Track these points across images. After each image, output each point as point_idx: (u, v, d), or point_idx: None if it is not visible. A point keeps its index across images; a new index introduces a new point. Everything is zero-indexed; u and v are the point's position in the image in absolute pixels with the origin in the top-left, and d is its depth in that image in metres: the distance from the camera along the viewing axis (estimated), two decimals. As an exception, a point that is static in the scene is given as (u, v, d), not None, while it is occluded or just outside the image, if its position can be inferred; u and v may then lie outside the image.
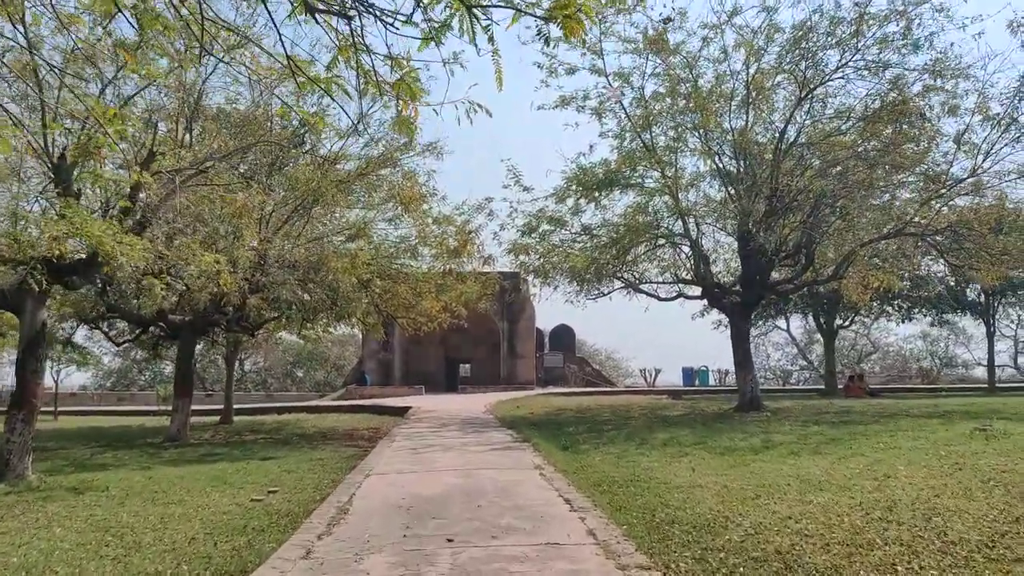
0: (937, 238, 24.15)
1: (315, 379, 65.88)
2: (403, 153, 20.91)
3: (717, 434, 17.00)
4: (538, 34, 5.46)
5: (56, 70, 11.03)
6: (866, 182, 22.65)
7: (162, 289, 13.65)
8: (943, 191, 23.22)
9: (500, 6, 5.24)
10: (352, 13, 5.52)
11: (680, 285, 27.50)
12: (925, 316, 45.22)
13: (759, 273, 24.78)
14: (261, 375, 66.24)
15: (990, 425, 15.76)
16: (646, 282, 27.34)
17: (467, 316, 25.63)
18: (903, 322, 45.36)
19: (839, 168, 23.06)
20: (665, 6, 21.15)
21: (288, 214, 19.79)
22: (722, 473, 11.30)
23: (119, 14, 6.29)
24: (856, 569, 6.25)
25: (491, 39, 5.33)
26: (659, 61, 22.78)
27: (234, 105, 19.03)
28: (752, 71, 22.66)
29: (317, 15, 5.73)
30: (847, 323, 46.05)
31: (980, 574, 6.06)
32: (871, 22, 21.14)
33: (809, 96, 22.70)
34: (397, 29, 5.40)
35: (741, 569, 6.37)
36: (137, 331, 24.25)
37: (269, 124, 19.05)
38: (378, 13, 5.43)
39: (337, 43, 5.72)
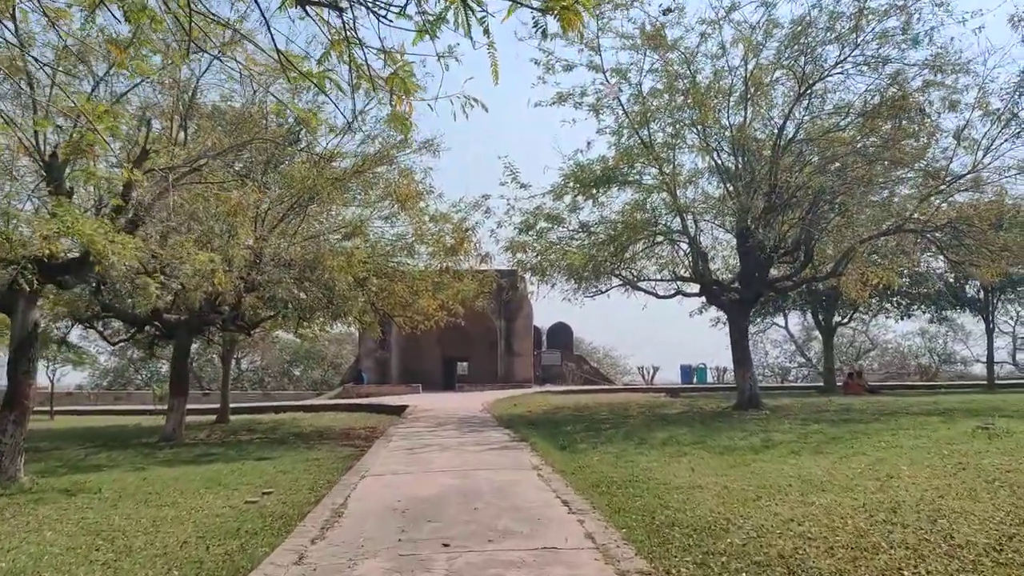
0: (937, 234, 24.03)
1: (312, 378, 65.71)
2: (399, 150, 20.78)
3: (716, 433, 16.87)
4: (535, 26, 5.32)
5: (45, 67, 10.88)
6: (865, 178, 22.55)
7: (157, 288, 13.51)
8: (943, 187, 23.12)
9: (496, -3, 5.11)
10: (344, 4, 5.38)
11: (678, 282, 27.39)
12: (924, 313, 45.14)
13: (758, 270, 24.66)
14: (258, 374, 66.11)
15: (992, 424, 15.64)
16: (644, 279, 27.22)
17: (464, 314, 25.50)
18: (902, 319, 45.33)
19: (838, 164, 22.96)
20: (664, -2, 20.99)
21: (284, 212, 19.65)
22: (722, 473, 11.17)
23: (107, 8, 6.17)
24: (861, 574, 6.12)
25: (486, 31, 5.20)
26: (657, 57, 22.65)
27: (229, 103, 18.91)
28: (751, 67, 22.53)
29: (308, 7, 5.59)
30: (846, 320, 45.96)
31: (988, 579, 5.95)
32: (870, 17, 21.02)
33: (808, 92, 22.57)
34: (391, 22, 5.26)
35: (744, 574, 6.24)
36: (132, 330, 24.11)
37: (264, 122, 18.91)
38: (370, 5, 5.28)
39: (329, 37, 5.59)
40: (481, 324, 47.71)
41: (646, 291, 27.25)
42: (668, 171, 23.74)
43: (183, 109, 16.22)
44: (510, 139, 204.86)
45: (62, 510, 10.05)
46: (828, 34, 21.69)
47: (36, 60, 9.98)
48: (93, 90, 13.53)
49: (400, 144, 20.58)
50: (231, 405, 28.90)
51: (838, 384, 39.98)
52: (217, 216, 16.43)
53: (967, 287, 40.95)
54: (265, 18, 5.81)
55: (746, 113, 23.26)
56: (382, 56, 5.64)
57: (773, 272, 26.15)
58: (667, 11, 20.56)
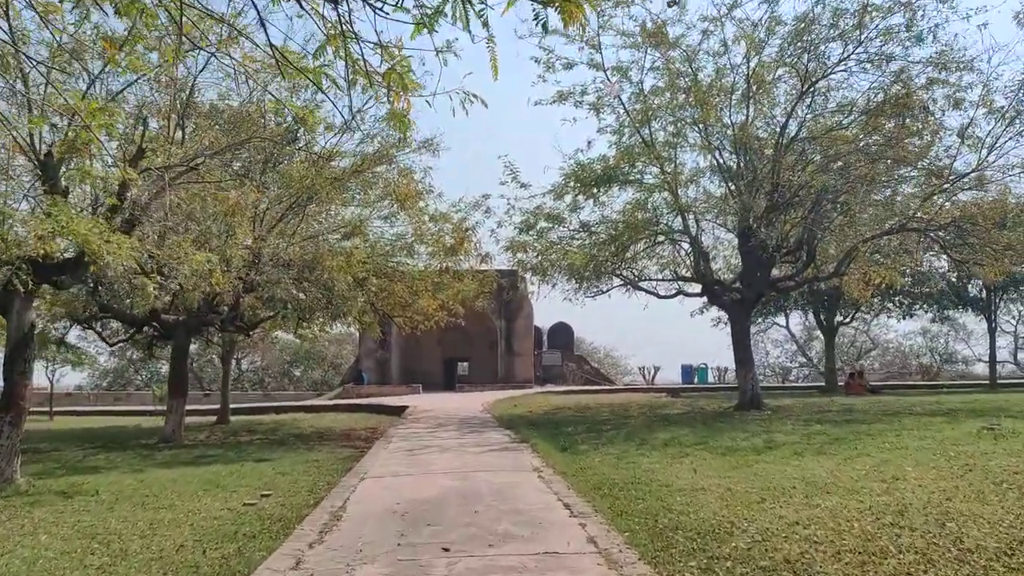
0: (940, 233, 23.87)
1: (312, 378, 65.61)
2: (399, 150, 20.68)
3: (718, 434, 16.74)
4: (535, 20, 5.19)
5: (38, 64, 10.76)
6: (868, 177, 22.40)
7: (154, 289, 13.40)
8: (946, 186, 22.97)
9: (495, -10, 4.98)
10: (339, -4, 5.26)
11: (680, 282, 27.25)
12: (926, 312, 44.99)
13: (759, 270, 24.51)
14: (258, 374, 66.02)
15: (998, 424, 15.50)
16: (645, 279, 27.06)
17: (464, 314, 25.42)
18: (904, 318, 45.18)
19: (840, 163, 22.82)
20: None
21: (282, 212, 19.55)
22: (725, 475, 11.03)
23: (99, 6, 6.04)
24: (870, 579, 5.99)
25: (485, 24, 5.08)
26: (658, 55, 22.53)
27: (226, 101, 18.79)
28: (753, 64, 22.41)
29: (303, 0, 5.47)
30: (848, 320, 45.81)
31: (1000, 584, 5.82)
32: (874, 13, 20.89)
33: (811, 89, 22.44)
34: (387, 15, 5.14)
35: (749, 579, 6.11)
36: (131, 331, 24.00)
37: (263, 120, 18.79)
38: (366, -3, 5.17)
39: (325, 32, 5.47)
40: (481, 324, 47.62)
41: (647, 291, 27.11)
42: (669, 170, 23.62)
43: (180, 108, 16.10)
44: (510, 138, 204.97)
45: (58, 513, 9.92)
46: (831, 31, 21.55)
47: (28, 58, 9.85)
48: (88, 88, 13.39)
49: (399, 143, 20.46)
50: (231, 406, 28.81)
51: (839, 384, 39.82)
52: (215, 216, 16.33)
53: (969, 286, 40.79)
54: (260, 14, 5.68)
55: (748, 111, 23.13)
56: (379, 51, 5.53)
57: (775, 272, 26.00)
58: (672, 3, 20.40)
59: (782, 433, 16.31)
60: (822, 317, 42.64)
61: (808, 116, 23.60)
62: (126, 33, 7.65)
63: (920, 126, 21.98)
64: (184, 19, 5.89)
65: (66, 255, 12.66)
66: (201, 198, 15.38)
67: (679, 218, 24.67)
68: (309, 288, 19.60)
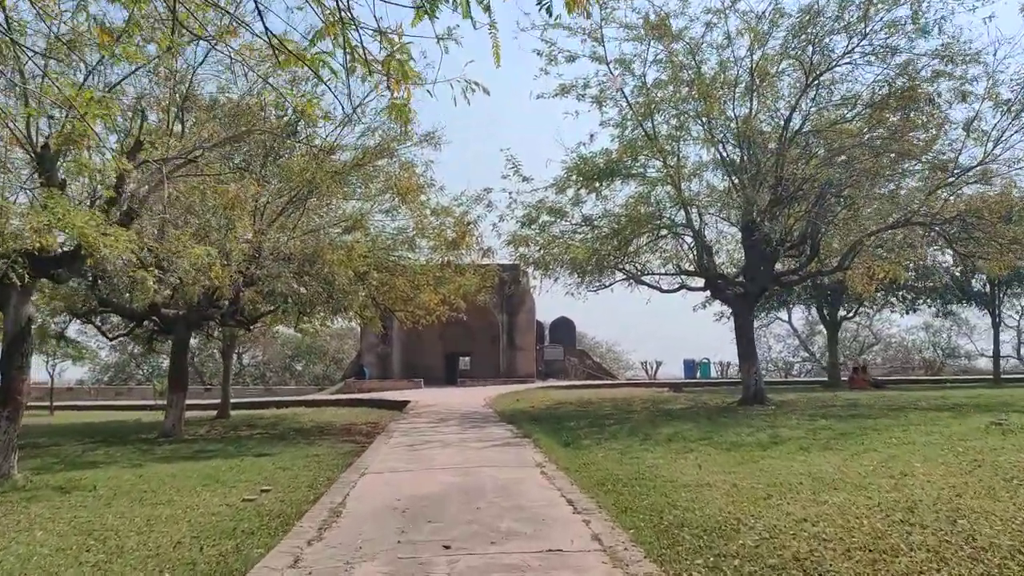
0: (945, 227, 23.73)
1: (314, 373, 65.47)
2: (400, 143, 20.52)
3: (722, 429, 16.60)
4: (539, 4, 5.05)
5: (36, 56, 10.61)
6: (872, 171, 22.27)
7: (154, 283, 13.26)
8: (951, 179, 22.85)
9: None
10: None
11: (683, 276, 27.12)
12: (930, 307, 44.79)
13: (763, 264, 24.39)
14: (260, 369, 65.87)
15: (1006, 419, 15.34)
16: (648, 273, 26.91)
17: (466, 309, 25.29)
18: (907, 313, 44.97)
19: (844, 157, 22.67)
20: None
21: (283, 206, 19.43)
22: (730, 471, 10.90)
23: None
24: (882, 578, 5.86)
25: (487, 8, 4.96)
26: (661, 47, 22.38)
27: (226, 95, 18.64)
28: (756, 57, 22.29)
29: (300, -15, 5.34)
30: (851, 314, 45.64)
31: (1015, 584, 5.68)
32: (879, 5, 20.73)
33: (815, 82, 22.30)
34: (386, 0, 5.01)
35: (758, 578, 5.98)
36: (130, 325, 23.87)
37: (263, 113, 18.65)
38: (366, -20, 5.04)
39: (323, 19, 5.33)
40: (483, 319, 47.47)
41: (650, 285, 26.97)
42: (672, 164, 23.47)
43: (179, 100, 15.95)
44: (512, 132, 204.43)
45: (55, 508, 9.80)
46: (836, 23, 21.41)
47: (22, 46, 9.70)
48: (85, 80, 13.25)
49: (401, 137, 20.34)
50: (232, 400, 28.68)
51: (843, 379, 39.69)
52: (214, 209, 16.20)
53: (974, 281, 40.60)
54: (256, 3, 5.55)
55: (752, 104, 23.00)
56: (378, 38, 5.39)
57: (778, 266, 25.87)
58: None
59: (787, 428, 16.18)
60: (825, 312, 42.46)
61: (812, 109, 23.46)
62: (124, 24, 7.52)
63: (925, 119, 21.83)
64: (181, 8, 5.76)
65: (64, 249, 12.54)
66: (200, 191, 15.25)
67: (682, 212, 24.53)
68: (310, 282, 19.48)
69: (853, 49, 21.62)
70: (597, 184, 24.38)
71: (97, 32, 7.39)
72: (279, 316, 23.62)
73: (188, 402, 21.89)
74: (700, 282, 26.80)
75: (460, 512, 8.42)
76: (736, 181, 23.60)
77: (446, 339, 51.08)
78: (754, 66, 22.25)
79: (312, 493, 10.44)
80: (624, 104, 23.48)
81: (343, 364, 60.64)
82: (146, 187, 13.45)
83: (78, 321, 24.48)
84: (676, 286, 27.40)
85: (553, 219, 25.35)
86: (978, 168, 22.46)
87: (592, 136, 26.24)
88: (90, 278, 18.43)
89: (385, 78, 5.48)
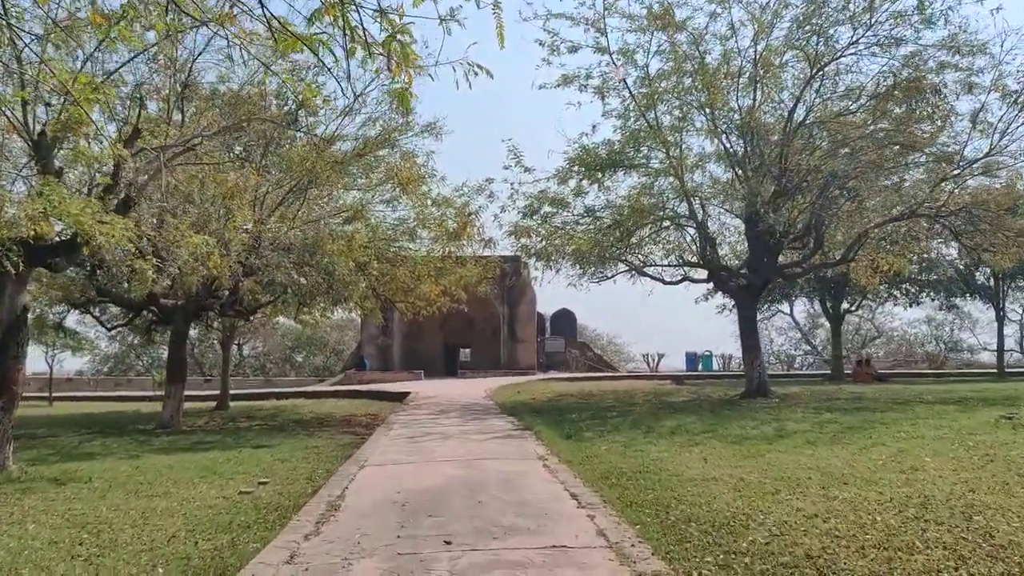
0: (951, 219, 23.55)
1: (314, 364, 65.33)
2: (401, 133, 20.40)
3: (726, 421, 16.43)
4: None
5: (29, 40, 10.41)
6: (877, 162, 22.10)
7: (152, 272, 13.08)
8: (955, 172, 22.68)
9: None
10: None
11: (685, 268, 26.94)
12: (933, 300, 44.58)
13: (767, 256, 24.22)
14: (260, 360, 65.70)
15: (1016, 413, 15.18)
16: (651, 265, 26.74)
17: (467, 300, 25.08)
18: (911, 306, 44.78)
19: (847, 149, 22.50)
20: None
21: (283, 196, 19.28)
22: (736, 464, 10.73)
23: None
24: (898, 576, 5.67)
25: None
26: (664, 37, 22.15)
27: (227, 84, 18.44)
28: (760, 48, 22.08)
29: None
30: (854, 307, 45.43)
31: (1037, 583, 5.50)
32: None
33: (819, 73, 22.09)
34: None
35: (770, 576, 5.79)
36: (129, 316, 23.69)
37: (263, 103, 18.46)
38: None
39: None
40: (484, 310, 47.32)
41: (653, 277, 26.83)
42: (675, 155, 23.25)
43: (179, 89, 15.74)
44: (514, 123, 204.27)
45: (49, 501, 9.62)
46: (841, 14, 21.21)
47: (18, 30, 9.49)
48: (82, 66, 13.04)
49: (402, 127, 20.23)
50: (231, 391, 28.53)
51: (846, 372, 39.50)
52: (214, 198, 16.02)
53: (977, 274, 40.41)
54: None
55: (755, 95, 22.79)
56: (379, 17, 5.20)
57: (781, 258, 25.68)
58: None
59: (792, 421, 16.00)
60: (828, 304, 42.24)
61: (816, 101, 23.27)
62: (120, 9, 7.32)
63: (931, 110, 21.60)
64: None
65: (61, 237, 12.36)
66: (199, 180, 15.08)
67: (685, 203, 24.35)
68: (310, 273, 19.31)
69: (858, 40, 21.41)
70: (599, 175, 24.22)
71: (90, 13, 7.17)
72: (279, 307, 23.48)
73: (187, 393, 21.73)
74: (703, 274, 26.65)
75: (461, 506, 8.24)
76: (739, 172, 23.41)
77: (447, 330, 50.93)
78: (758, 57, 22.07)
79: (311, 486, 10.26)
80: (627, 95, 23.26)
81: (343, 355, 60.50)
82: (144, 175, 13.25)
83: (76, 311, 24.26)
84: (679, 278, 27.22)
85: (555, 210, 25.15)
86: (984, 160, 22.28)
87: (594, 127, 26.26)
88: (88, 267, 18.24)
89: (385, 61, 5.30)
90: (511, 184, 25.24)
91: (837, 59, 22.10)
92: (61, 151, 12.48)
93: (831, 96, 23.44)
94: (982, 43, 20.73)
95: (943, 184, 22.81)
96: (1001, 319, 41.41)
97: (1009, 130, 21.56)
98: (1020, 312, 54.88)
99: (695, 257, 25.94)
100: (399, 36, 5.21)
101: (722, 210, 26.95)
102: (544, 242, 24.87)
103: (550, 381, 37.77)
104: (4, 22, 9.40)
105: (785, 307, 53.20)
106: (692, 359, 53.11)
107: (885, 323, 64.22)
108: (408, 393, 28.80)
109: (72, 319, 27.58)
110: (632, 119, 23.71)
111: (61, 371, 41.12)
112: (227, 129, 15.85)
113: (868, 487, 8.74)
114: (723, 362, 54.39)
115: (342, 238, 18.54)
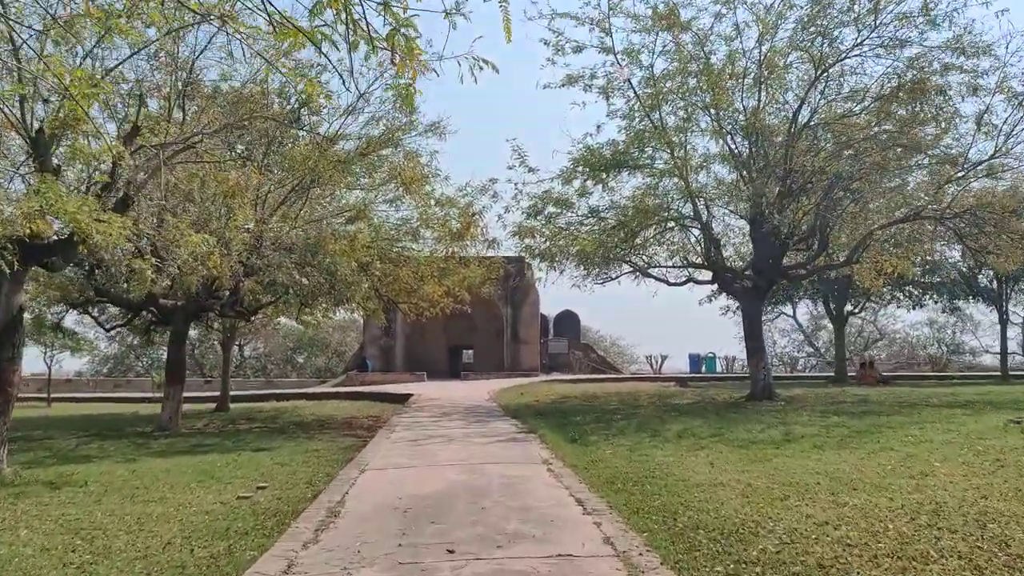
0: (956, 221, 23.39)
1: (316, 365, 65.12)
2: (405, 132, 20.26)
3: (733, 425, 16.25)
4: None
5: (30, 38, 10.25)
6: (881, 164, 21.94)
7: (152, 272, 12.91)
8: (960, 173, 22.55)
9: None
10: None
11: (690, 269, 26.77)
12: (936, 303, 44.40)
13: (771, 257, 24.05)
14: (261, 361, 65.50)
15: (1024, 418, 15.00)
16: (655, 266, 26.60)
17: (470, 301, 24.90)
18: (914, 308, 44.58)
19: (850, 152, 22.34)
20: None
21: (285, 195, 19.12)
22: (743, 469, 10.55)
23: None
24: (915, 588, 5.49)
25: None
26: (670, 38, 21.98)
27: (229, 83, 18.30)
28: (765, 49, 21.92)
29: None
30: (858, 309, 45.24)
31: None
32: (891, -5, 20.37)
33: (824, 75, 21.93)
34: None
35: (782, 587, 5.62)
36: (128, 316, 23.52)
37: (266, 101, 18.31)
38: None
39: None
40: (487, 311, 47.15)
41: (657, 278, 26.69)
42: (680, 155, 23.07)
43: (180, 87, 15.59)
44: (518, 123, 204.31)
45: (43, 505, 9.46)
46: (846, 15, 21.03)
47: (21, 24, 9.33)
48: (81, 63, 12.87)
49: (405, 126, 20.09)
50: (232, 393, 28.39)
51: (850, 374, 39.30)
52: (214, 197, 15.87)
53: (980, 276, 40.25)
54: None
55: (760, 96, 22.63)
56: (382, 12, 5.04)
57: (786, 260, 25.51)
58: None
59: (799, 425, 15.82)
60: (832, 306, 42.04)
61: (820, 102, 23.09)
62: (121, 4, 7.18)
63: (936, 112, 21.42)
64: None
65: (58, 236, 12.19)
66: (200, 179, 14.92)
67: (689, 204, 24.20)
68: (312, 273, 19.14)
69: (863, 41, 21.22)
70: (604, 175, 24.06)
71: (85, 5, 7.02)
72: (280, 307, 23.34)
73: (187, 394, 21.57)
74: (708, 275, 26.48)
75: (464, 512, 8.05)
76: (744, 173, 23.27)
77: (449, 332, 50.76)
78: (763, 58, 21.90)
79: (310, 490, 10.09)
80: (632, 95, 23.08)
81: (345, 357, 60.28)
82: (143, 173, 13.09)
83: (75, 311, 24.07)
84: (683, 279, 27.06)
85: (559, 210, 25.01)
86: (989, 162, 22.16)
87: (599, 127, 26.15)
88: (86, 267, 18.07)
89: (390, 51, 5.15)
90: (515, 184, 25.14)
91: (841, 60, 21.93)
92: (59, 148, 12.31)
93: (835, 98, 23.28)
94: (987, 45, 20.53)
95: (947, 186, 22.66)
96: (1004, 322, 41.19)
97: (1014, 132, 21.43)
98: (1022, 315, 54.68)
99: (699, 258, 25.80)
100: (403, 29, 5.08)
101: (727, 211, 26.83)
102: (548, 243, 24.74)
103: (553, 383, 37.58)
104: (2, 17, 9.25)
105: (788, 309, 53.05)
106: (695, 361, 52.97)
107: (887, 325, 64.10)
108: (411, 395, 28.65)
109: (71, 319, 27.43)
110: (637, 119, 23.53)
111: (60, 372, 40.95)
112: (228, 127, 15.69)
113: (878, 493, 8.57)
114: (726, 364, 54.22)
115: (345, 238, 18.37)
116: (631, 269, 26.37)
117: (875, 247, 24.72)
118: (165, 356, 24.63)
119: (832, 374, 41.84)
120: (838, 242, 25.26)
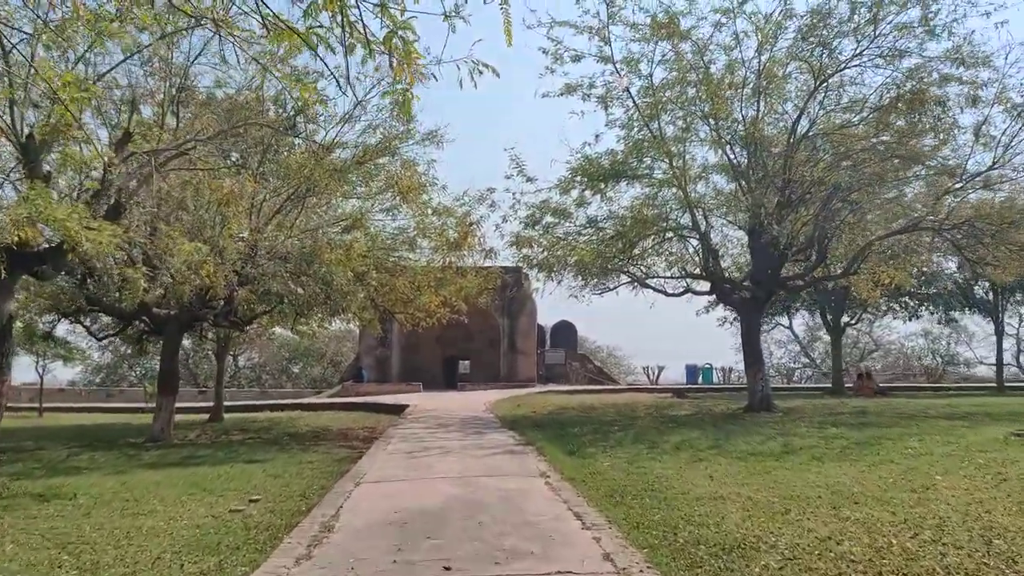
0: (953, 232, 23.35)
1: (311, 375, 64.87)
2: (402, 141, 20.15)
3: (731, 436, 16.10)
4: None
5: (20, 42, 10.12)
6: (879, 175, 21.91)
7: (144, 281, 12.76)
8: (958, 184, 22.52)
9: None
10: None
11: (688, 280, 26.70)
12: (932, 314, 44.36)
13: (770, 268, 23.97)
14: (255, 371, 65.18)
15: (1026, 430, 14.89)
16: (653, 276, 26.50)
17: (467, 311, 24.74)
18: (910, 319, 44.55)
19: (848, 162, 22.29)
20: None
21: (280, 203, 18.99)
22: (743, 482, 10.41)
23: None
24: (924, 608, 5.34)
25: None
26: (669, 47, 21.95)
27: (224, 90, 18.19)
28: (764, 59, 21.89)
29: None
30: (855, 320, 45.18)
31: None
32: (890, 7, 20.30)
33: (823, 85, 21.88)
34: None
35: (788, 607, 5.46)
36: (120, 325, 23.30)
37: (261, 108, 18.20)
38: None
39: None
40: (484, 322, 46.99)
41: (655, 289, 26.61)
42: (679, 165, 23.00)
43: (174, 92, 15.47)
44: (516, 132, 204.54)
45: (30, 518, 9.28)
46: (845, 26, 20.99)
47: (13, 28, 9.21)
48: (72, 67, 12.75)
49: (403, 135, 19.97)
50: (226, 403, 28.18)
51: (847, 386, 39.18)
52: (208, 205, 15.73)
53: (976, 288, 40.24)
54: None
55: (759, 106, 22.58)
56: (379, 14, 4.93)
57: (784, 271, 25.42)
58: None
59: (798, 436, 15.69)
60: (829, 317, 41.97)
61: (819, 112, 23.07)
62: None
63: (934, 123, 21.37)
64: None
65: (48, 244, 12.04)
66: (194, 186, 14.79)
67: (688, 214, 24.14)
68: (307, 282, 18.96)
69: (862, 52, 21.23)
70: (602, 185, 24.02)
71: (74, 6, 6.89)
72: (275, 317, 23.17)
73: (181, 405, 21.37)
74: (706, 286, 26.44)
75: (461, 527, 7.89)
76: (743, 184, 23.20)
77: (445, 342, 50.62)
78: (762, 68, 21.89)
79: (304, 503, 9.91)
80: (630, 104, 23.04)
81: (341, 367, 60.06)
82: (135, 180, 12.94)
83: (67, 320, 23.85)
84: (681, 290, 27.01)
85: (557, 220, 24.96)
86: (987, 173, 22.17)
87: (598, 136, 26.04)
88: (78, 276, 17.89)
89: (387, 55, 5.04)
90: (513, 194, 25.06)
91: (840, 71, 21.93)
92: (50, 155, 12.17)
93: (834, 108, 23.28)
94: (986, 56, 20.55)
95: (945, 197, 22.63)
96: (1000, 333, 41.18)
97: (1012, 144, 21.51)
98: (1017, 326, 54.67)
99: (698, 269, 25.74)
100: (401, 32, 4.97)
101: (725, 222, 26.80)
102: (546, 253, 24.66)
103: (550, 394, 37.43)
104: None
105: (785, 320, 52.97)
106: (692, 372, 52.82)
107: (882, 336, 64.04)
108: (407, 406, 28.44)
109: (63, 328, 27.21)
110: (635, 129, 23.48)
111: (53, 381, 40.65)
112: (222, 134, 15.57)
113: (880, 507, 8.43)
114: (723, 375, 54.10)
115: (340, 247, 18.23)
116: (629, 279, 26.29)
117: (873, 258, 24.65)
118: (158, 366, 24.42)
119: (829, 385, 41.72)
120: (836, 253, 25.20)
